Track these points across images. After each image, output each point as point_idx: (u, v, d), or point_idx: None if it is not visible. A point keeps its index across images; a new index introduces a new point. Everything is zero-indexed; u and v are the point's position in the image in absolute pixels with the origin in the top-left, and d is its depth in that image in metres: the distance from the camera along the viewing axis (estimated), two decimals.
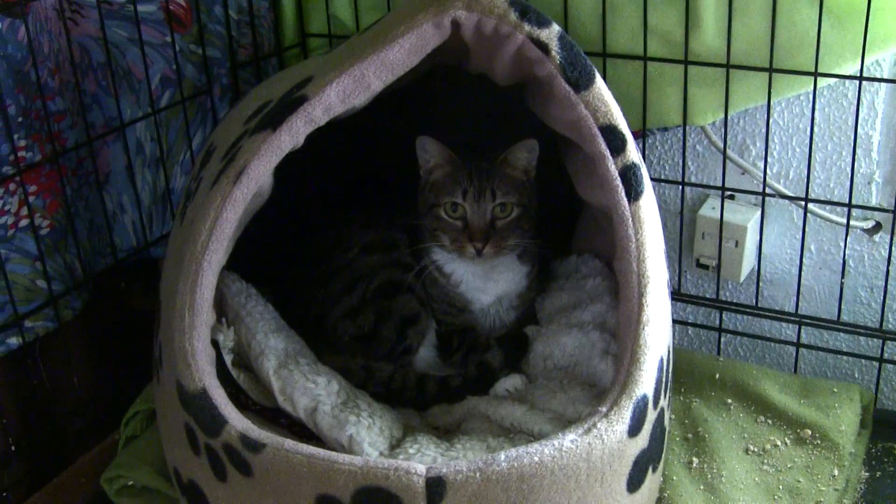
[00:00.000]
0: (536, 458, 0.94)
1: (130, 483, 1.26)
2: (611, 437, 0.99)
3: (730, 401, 1.37)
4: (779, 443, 1.29)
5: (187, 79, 1.44)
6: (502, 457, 0.94)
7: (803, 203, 1.40)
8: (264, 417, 1.14)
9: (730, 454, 1.27)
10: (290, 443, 0.97)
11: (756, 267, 1.48)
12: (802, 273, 1.43)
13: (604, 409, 1.01)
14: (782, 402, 1.35)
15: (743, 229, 1.46)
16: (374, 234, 1.37)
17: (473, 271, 1.35)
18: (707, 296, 1.57)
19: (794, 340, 1.46)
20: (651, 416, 1.04)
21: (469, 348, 1.32)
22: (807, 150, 1.40)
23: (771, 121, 1.42)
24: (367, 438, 1.06)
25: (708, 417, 1.34)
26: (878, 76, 1.36)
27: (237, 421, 1.00)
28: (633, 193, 1.08)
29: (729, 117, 1.37)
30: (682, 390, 1.39)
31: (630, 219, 1.07)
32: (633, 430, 1.01)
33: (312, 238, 1.41)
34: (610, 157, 1.09)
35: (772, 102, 1.35)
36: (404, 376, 1.26)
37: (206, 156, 1.21)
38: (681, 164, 1.47)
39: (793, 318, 1.46)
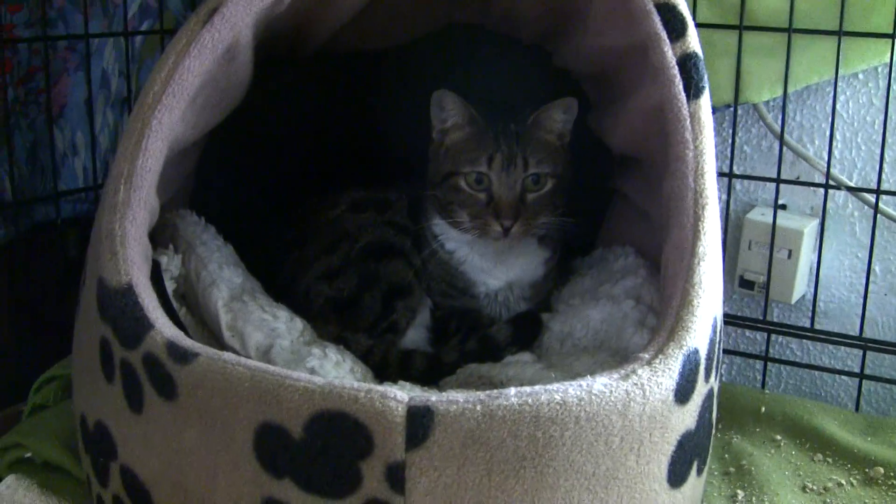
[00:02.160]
0: (558, 397, 0.70)
1: (28, 455, 1.00)
2: (654, 390, 0.74)
3: (779, 437, 1.13)
4: (843, 482, 1.04)
5: (169, 12, 1.25)
6: (512, 391, 0.70)
7: (873, 198, 1.19)
8: None
9: (783, 489, 1.02)
10: (229, 355, 0.73)
11: (810, 286, 1.26)
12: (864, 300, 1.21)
13: (646, 356, 0.77)
14: (844, 438, 1.10)
15: (798, 235, 1.24)
16: (365, 192, 1.15)
17: (481, 251, 1.12)
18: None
19: (857, 371, 1.22)
20: (701, 387, 0.80)
21: (469, 330, 1.08)
22: (874, 147, 1.20)
23: (833, 112, 1.23)
24: (334, 373, 0.81)
25: (753, 452, 1.09)
26: None
27: (165, 326, 0.76)
28: (694, 89, 0.87)
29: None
30: (720, 426, 1.13)
31: (688, 119, 0.85)
32: (681, 395, 0.77)
33: (295, 201, 1.19)
34: (667, 40, 0.88)
35: (837, 85, 1.17)
36: (386, 350, 1.02)
37: None
38: (727, 153, 1.27)
39: (857, 343, 1.22)
